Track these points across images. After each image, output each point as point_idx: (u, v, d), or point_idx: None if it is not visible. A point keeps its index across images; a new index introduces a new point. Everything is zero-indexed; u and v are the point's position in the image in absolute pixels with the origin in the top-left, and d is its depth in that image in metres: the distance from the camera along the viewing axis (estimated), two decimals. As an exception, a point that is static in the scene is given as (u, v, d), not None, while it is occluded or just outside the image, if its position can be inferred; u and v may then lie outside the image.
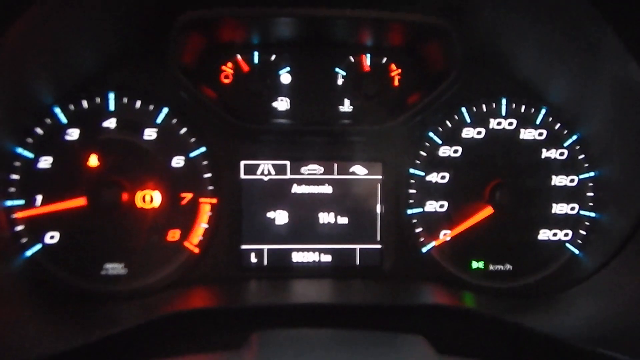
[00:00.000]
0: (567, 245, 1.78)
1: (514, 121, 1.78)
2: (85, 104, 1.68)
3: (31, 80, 1.56)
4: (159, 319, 1.37)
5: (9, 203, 1.64)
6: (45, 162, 1.66)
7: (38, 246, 1.66)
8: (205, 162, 1.73)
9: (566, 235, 1.79)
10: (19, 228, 1.65)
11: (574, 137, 1.78)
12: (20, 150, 1.64)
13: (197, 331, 1.41)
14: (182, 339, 1.39)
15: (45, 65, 1.55)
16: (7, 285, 1.55)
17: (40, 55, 1.49)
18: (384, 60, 1.78)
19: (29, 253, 1.65)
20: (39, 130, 1.66)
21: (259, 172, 1.75)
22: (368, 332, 1.16)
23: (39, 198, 1.65)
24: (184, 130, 1.72)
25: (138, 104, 1.70)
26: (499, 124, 1.78)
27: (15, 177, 1.64)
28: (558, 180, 1.78)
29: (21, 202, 1.65)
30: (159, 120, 1.71)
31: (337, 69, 1.77)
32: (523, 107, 1.78)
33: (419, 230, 1.79)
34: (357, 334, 1.15)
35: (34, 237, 1.66)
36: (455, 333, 1.40)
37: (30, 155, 1.65)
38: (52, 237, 1.67)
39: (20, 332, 1.32)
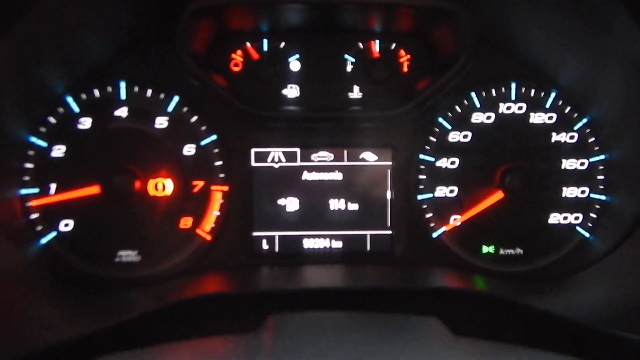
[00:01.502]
0: (578, 228, 1.79)
1: (524, 105, 1.78)
2: (97, 93, 1.69)
3: (43, 69, 1.58)
4: (173, 304, 1.39)
5: (23, 191, 1.66)
6: (59, 150, 1.68)
7: (53, 234, 1.68)
8: (216, 150, 1.75)
9: (577, 218, 1.79)
10: (34, 216, 1.67)
11: (584, 120, 1.77)
12: (33, 139, 1.66)
13: (211, 316, 1.43)
14: (195, 324, 1.41)
15: (57, 54, 1.56)
16: (23, 272, 1.57)
17: (52, 44, 1.50)
18: (393, 46, 1.78)
19: (44, 241, 1.67)
20: (52, 120, 1.68)
21: (269, 159, 1.76)
22: (383, 314, 1.17)
23: (53, 186, 1.67)
24: (194, 118, 1.73)
25: (149, 92, 1.71)
26: (508, 108, 1.78)
27: (29, 165, 1.66)
28: (568, 164, 1.78)
29: (35, 190, 1.67)
30: (170, 108, 1.72)
31: (346, 56, 1.78)
32: (533, 91, 1.78)
33: (429, 215, 1.79)
34: (372, 316, 1.16)
35: (49, 225, 1.68)
36: (466, 316, 1.41)
37: (43, 144, 1.67)
38: (66, 225, 1.69)
39: (37, 318, 1.34)
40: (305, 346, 0.94)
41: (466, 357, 0.95)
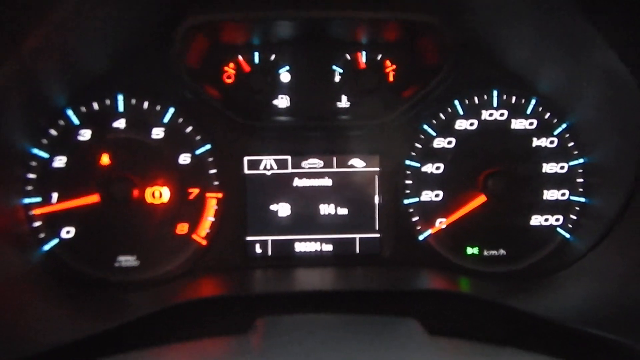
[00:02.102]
0: (559, 229, 1.85)
1: (505, 112, 1.84)
2: (95, 105, 1.76)
3: (45, 84, 1.65)
4: (170, 307, 1.45)
5: (26, 200, 1.73)
6: (60, 161, 1.75)
7: (55, 240, 1.75)
8: (210, 159, 1.81)
9: (557, 220, 1.85)
10: (37, 224, 1.74)
11: (564, 126, 1.84)
12: (36, 150, 1.73)
13: (206, 319, 1.49)
14: (191, 327, 1.47)
15: (59, 69, 1.63)
16: (27, 277, 1.64)
17: (54, 60, 1.57)
18: (379, 56, 1.85)
19: (47, 247, 1.74)
20: (53, 132, 1.75)
21: (261, 167, 1.83)
22: (364, 316, 1.23)
23: (55, 195, 1.74)
24: (189, 128, 1.80)
25: (146, 104, 1.78)
26: (490, 115, 1.84)
27: (32, 176, 1.73)
28: (549, 168, 1.84)
29: (38, 199, 1.74)
30: (166, 119, 1.79)
31: (334, 67, 1.84)
32: (514, 98, 1.84)
33: (415, 219, 1.86)
34: (353, 318, 1.22)
35: (51, 232, 1.75)
36: (451, 316, 1.47)
37: (45, 155, 1.74)
38: (68, 232, 1.76)
39: (40, 321, 1.40)
40: (289, 347, 1.01)
41: (439, 356, 1.02)
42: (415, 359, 0.98)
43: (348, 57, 1.84)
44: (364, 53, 1.85)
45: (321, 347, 1.00)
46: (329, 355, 0.96)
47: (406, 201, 1.85)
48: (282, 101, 1.85)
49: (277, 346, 1.03)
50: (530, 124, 1.85)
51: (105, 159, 1.76)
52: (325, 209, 1.84)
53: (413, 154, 1.85)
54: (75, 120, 1.76)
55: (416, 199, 1.85)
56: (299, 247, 1.85)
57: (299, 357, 0.96)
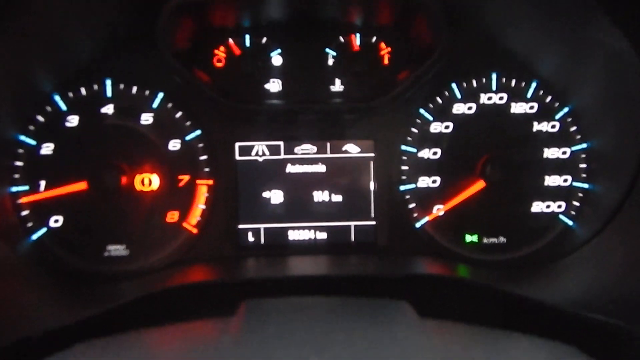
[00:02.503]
0: (561, 216, 1.79)
1: (505, 95, 1.79)
2: (83, 91, 1.73)
3: (32, 69, 1.62)
4: (158, 293, 1.42)
5: (14, 189, 1.70)
6: (47, 148, 1.72)
7: (43, 230, 1.72)
8: (201, 145, 1.77)
9: (559, 206, 1.79)
10: (25, 213, 1.71)
11: (565, 110, 1.78)
12: (23, 137, 1.70)
13: (195, 305, 1.46)
14: (180, 313, 1.43)
15: (45, 54, 1.60)
16: (15, 267, 1.61)
17: (40, 45, 1.54)
18: (374, 39, 1.80)
19: (35, 236, 1.72)
20: (40, 118, 1.72)
21: (253, 153, 1.79)
22: (354, 299, 1.19)
23: (43, 183, 1.71)
24: (179, 114, 1.76)
25: (134, 89, 1.74)
26: (489, 98, 1.79)
27: (19, 163, 1.70)
28: (550, 153, 1.79)
29: (25, 187, 1.71)
30: (155, 105, 1.75)
31: (327, 49, 1.79)
32: (513, 81, 1.78)
33: (412, 205, 1.81)
34: (342, 301, 1.18)
35: (39, 221, 1.72)
36: (448, 303, 1.43)
37: (32, 142, 1.71)
38: (56, 221, 1.73)
39: (30, 309, 1.38)
40: (270, 330, 0.97)
41: (428, 337, 0.98)
42: (402, 339, 0.93)
43: (341, 39, 1.79)
44: (357, 35, 1.79)
45: (302, 328, 0.96)
46: (308, 336, 0.92)
47: (402, 187, 1.80)
48: (274, 85, 1.80)
49: (256, 327, 0.99)
50: (531, 107, 1.79)
51: (93, 146, 1.73)
52: (319, 196, 1.80)
53: (409, 138, 1.80)
54: (63, 106, 1.72)
55: (413, 186, 1.80)
56: (293, 235, 1.81)
57: (278, 338, 0.92)
